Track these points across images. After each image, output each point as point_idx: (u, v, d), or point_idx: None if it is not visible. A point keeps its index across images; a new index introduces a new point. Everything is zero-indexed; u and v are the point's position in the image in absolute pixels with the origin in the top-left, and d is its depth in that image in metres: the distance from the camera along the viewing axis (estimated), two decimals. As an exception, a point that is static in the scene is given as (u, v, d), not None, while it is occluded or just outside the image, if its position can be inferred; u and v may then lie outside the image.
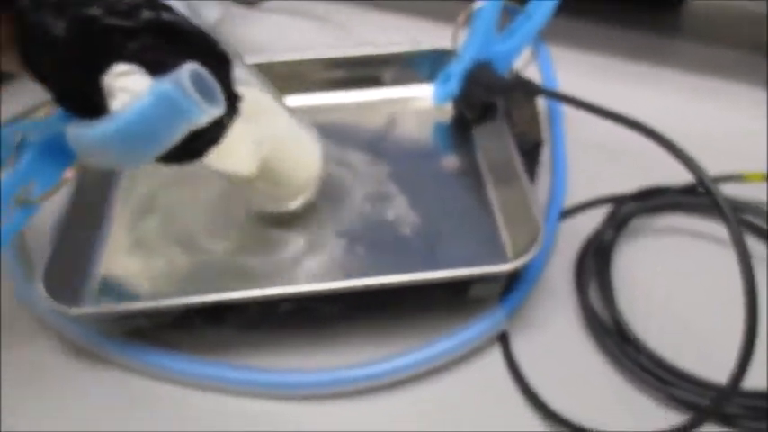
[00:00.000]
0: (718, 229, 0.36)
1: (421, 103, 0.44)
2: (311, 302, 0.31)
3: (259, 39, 0.55)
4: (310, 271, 0.33)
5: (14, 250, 0.35)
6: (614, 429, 0.28)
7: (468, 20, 0.38)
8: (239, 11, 0.57)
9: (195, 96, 0.22)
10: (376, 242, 0.34)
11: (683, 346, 0.31)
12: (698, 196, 0.37)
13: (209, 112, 0.23)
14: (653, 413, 0.30)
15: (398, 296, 0.32)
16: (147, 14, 0.22)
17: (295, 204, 0.35)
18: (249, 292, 0.29)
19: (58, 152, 0.26)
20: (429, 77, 0.44)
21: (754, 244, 0.36)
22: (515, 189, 0.35)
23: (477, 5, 0.38)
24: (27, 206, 0.26)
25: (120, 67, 0.23)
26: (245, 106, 0.27)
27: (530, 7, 0.39)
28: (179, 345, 0.32)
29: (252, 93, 0.30)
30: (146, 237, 0.35)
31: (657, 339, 0.31)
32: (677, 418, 0.29)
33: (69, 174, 0.27)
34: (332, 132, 0.41)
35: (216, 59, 0.24)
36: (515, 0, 0.39)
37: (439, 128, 0.42)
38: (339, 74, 0.44)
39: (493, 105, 0.39)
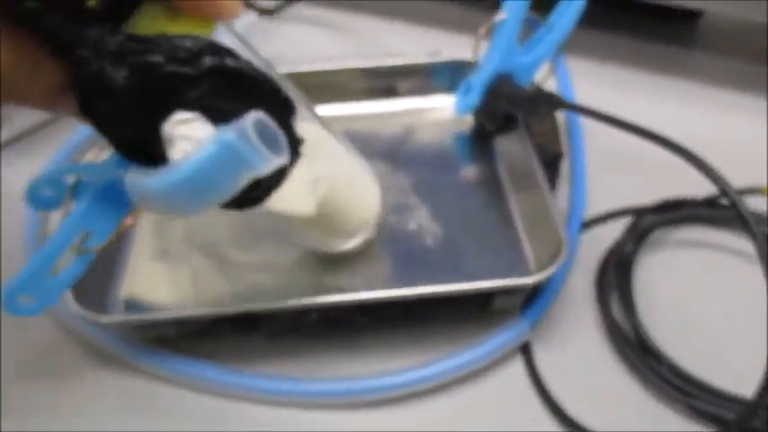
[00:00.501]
0: (739, 241, 0.37)
1: (440, 113, 0.44)
2: (339, 313, 0.31)
3: (277, 49, 0.55)
4: (334, 281, 0.33)
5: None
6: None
7: (490, 32, 0.39)
8: (257, 21, 0.58)
9: (259, 146, 0.21)
10: (400, 253, 0.35)
11: (705, 358, 0.32)
12: (719, 209, 0.37)
13: (273, 162, 0.22)
14: (675, 425, 0.30)
15: (423, 307, 0.32)
16: (209, 61, 0.21)
17: (352, 245, 0.34)
18: (279, 302, 0.30)
19: (114, 198, 0.25)
20: (448, 88, 0.44)
21: None
22: (537, 200, 0.35)
23: (498, 17, 0.38)
24: (83, 255, 0.26)
25: (181, 115, 0.22)
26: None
27: (551, 20, 0.39)
28: (205, 354, 0.32)
29: (308, 128, 0.28)
30: (170, 245, 0.36)
31: (679, 351, 0.32)
32: (698, 430, 0.29)
33: (129, 220, 0.26)
34: (351, 142, 0.41)
35: (280, 106, 0.23)
36: (537, 12, 0.39)
37: (458, 138, 0.43)
38: (358, 84, 0.45)
39: (513, 117, 0.39)
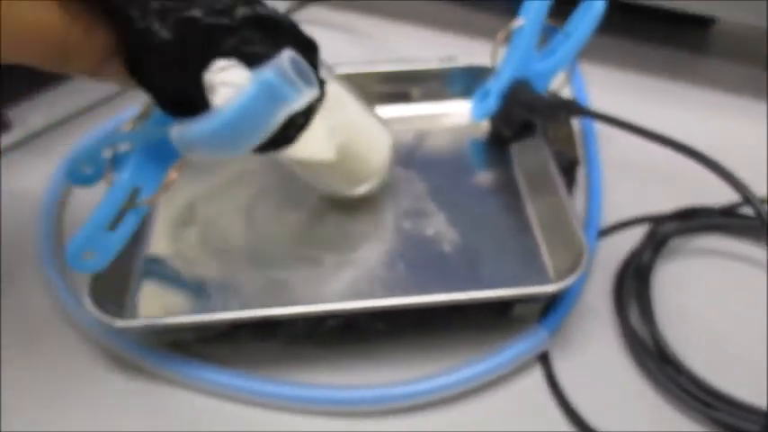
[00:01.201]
0: (758, 250, 0.37)
1: (455, 119, 0.44)
2: (357, 319, 0.31)
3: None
4: (351, 287, 0.33)
5: (55, 264, 0.36)
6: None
7: (508, 38, 0.39)
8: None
9: (296, 80, 0.23)
10: (417, 259, 0.35)
11: (725, 368, 0.31)
12: (736, 218, 0.37)
13: (307, 95, 0.24)
14: (697, 437, 0.30)
15: (441, 314, 0.32)
16: (243, 11, 0.24)
17: (367, 188, 0.36)
18: (296, 307, 0.29)
19: (158, 155, 0.27)
20: (464, 93, 0.44)
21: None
22: (555, 206, 0.35)
23: (516, 24, 0.38)
24: (137, 209, 0.28)
25: (221, 63, 0.24)
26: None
27: (569, 27, 0.39)
28: (222, 359, 0.32)
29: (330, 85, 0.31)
30: (185, 248, 0.36)
31: (699, 361, 0.31)
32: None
33: (173, 174, 0.28)
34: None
35: (306, 45, 0.25)
36: (554, 19, 0.39)
37: (474, 144, 0.42)
38: (374, 88, 0.44)
39: (531, 123, 0.39)
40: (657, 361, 0.32)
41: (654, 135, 0.32)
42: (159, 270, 0.35)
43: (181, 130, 0.25)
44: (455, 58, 0.46)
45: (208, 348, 0.32)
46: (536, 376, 0.32)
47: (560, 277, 0.32)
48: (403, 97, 0.45)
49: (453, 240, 0.36)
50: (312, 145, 0.31)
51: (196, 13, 0.23)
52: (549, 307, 0.33)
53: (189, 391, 0.32)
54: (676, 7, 0.48)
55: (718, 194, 0.36)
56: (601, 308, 0.35)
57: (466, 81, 0.44)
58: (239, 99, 0.23)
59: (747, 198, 0.28)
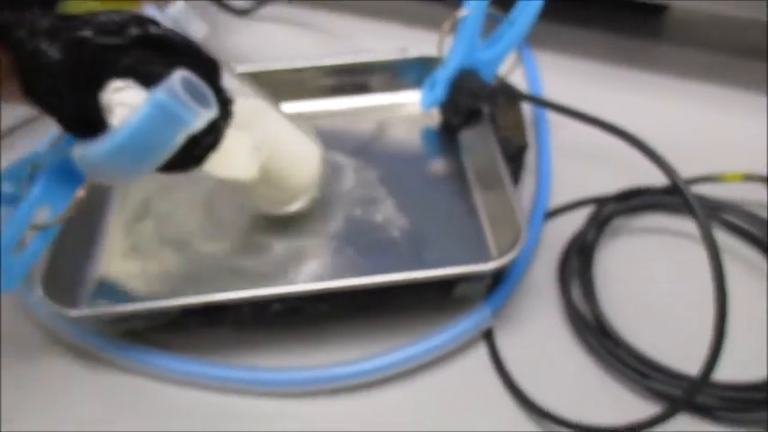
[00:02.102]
0: (694, 228, 0.38)
1: (409, 108, 0.45)
2: (302, 302, 0.32)
3: (250, 47, 0.56)
4: (301, 272, 0.34)
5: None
6: (596, 421, 0.29)
7: (454, 27, 0.40)
8: (231, 20, 0.58)
9: (188, 100, 0.23)
10: (365, 244, 0.36)
11: (661, 340, 0.33)
12: (675, 197, 0.38)
13: (203, 115, 0.24)
14: (632, 404, 0.31)
15: (387, 295, 0.33)
16: (134, 31, 0.23)
17: (296, 206, 0.36)
18: (241, 292, 0.30)
19: (67, 175, 0.27)
20: (417, 84, 0.45)
21: (731, 242, 0.37)
22: (500, 192, 0.36)
23: (461, 13, 0.39)
24: (44, 230, 0.27)
25: (116, 83, 0.24)
26: (240, 113, 0.28)
27: (512, 15, 0.40)
28: (174, 345, 0.33)
29: (246, 100, 0.31)
30: (141, 241, 0.37)
31: (636, 334, 0.33)
32: (655, 408, 0.30)
33: (81, 193, 0.28)
34: (322, 138, 0.42)
35: (205, 65, 0.25)
36: (499, 7, 0.40)
37: (427, 133, 0.43)
38: (328, 81, 0.45)
39: (478, 111, 0.40)
40: (598, 335, 0.33)
41: (588, 117, 0.33)
42: (114, 262, 0.36)
43: (81, 151, 0.24)
44: (407, 49, 0.47)
45: (160, 336, 0.33)
46: (481, 353, 0.33)
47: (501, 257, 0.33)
48: (359, 89, 0.46)
49: (401, 226, 0.37)
50: (233, 163, 0.31)
51: (86, 33, 0.23)
52: (494, 287, 0.34)
53: (145, 378, 0.32)
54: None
55: (661, 176, 0.37)
56: (546, 287, 0.36)
57: (418, 71, 0.45)
58: (132, 120, 0.23)
59: (672, 178, 0.29)
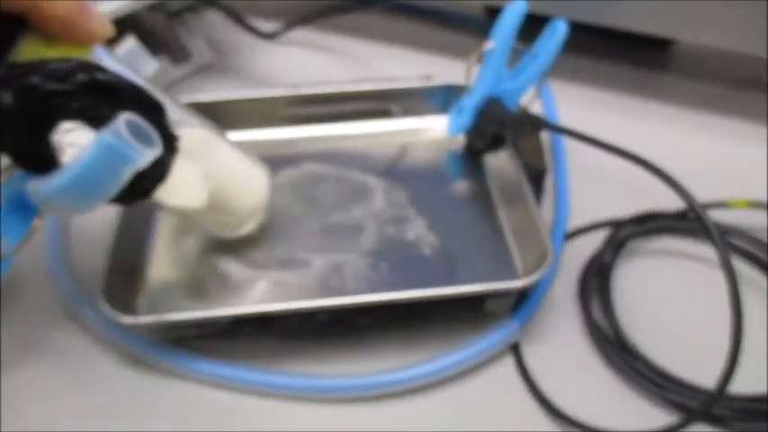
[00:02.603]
0: (705, 250, 0.40)
1: (433, 132, 0.47)
2: (346, 314, 0.34)
3: (275, 70, 0.58)
4: (338, 286, 0.37)
5: (65, 268, 0.39)
6: (615, 428, 0.32)
7: (480, 59, 0.42)
8: (257, 42, 0.61)
9: (132, 141, 0.25)
10: (399, 260, 0.38)
11: (676, 354, 0.35)
12: (687, 221, 0.41)
13: (148, 154, 0.26)
14: (649, 414, 0.33)
15: (422, 309, 0.35)
16: (81, 77, 0.25)
17: (246, 230, 0.38)
18: (292, 303, 0.33)
19: (23, 207, 0.28)
20: (440, 109, 0.48)
21: (738, 265, 0.40)
22: (524, 212, 0.39)
23: (488, 46, 0.42)
24: (2, 257, 0.29)
25: (66, 125, 0.26)
26: (188, 144, 0.30)
27: (535, 48, 0.43)
28: (223, 353, 0.35)
29: (193, 131, 0.34)
30: (185, 254, 0.39)
31: (653, 348, 0.35)
32: (670, 418, 0.32)
33: (38, 222, 0.29)
34: (351, 160, 0.45)
35: (149, 107, 0.27)
36: (522, 41, 0.43)
37: (450, 156, 0.46)
38: (356, 106, 0.48)
39: (502, 137, 0.43)
40: (617, 349, 0.35)
41: (608, 146, 0.36)
42: (162, 274, 0.38)
43: (35, 186, 0.26)
44: (432, 76, 0.50)
45: (207, 344, 0.35)
46: (508, 365, 0.36)
47: (528, 275, 0.35)
48: (383, 113, 0.48)
49: (432, 244, 0.39)
50: (183, 192, 0.34)
51: (36, 80, 0.25)
52: (520, 303, 0.37)
53: (194, 384, 0.35)
54: (636, 29, 0.52)
55: (672, 200, 0.39)
56: (566, 303, 0.38)
57: (443, 98, 0.48)
58: (81, 159, 0.25)
59: (691, 205, 0.32)
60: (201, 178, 0.34)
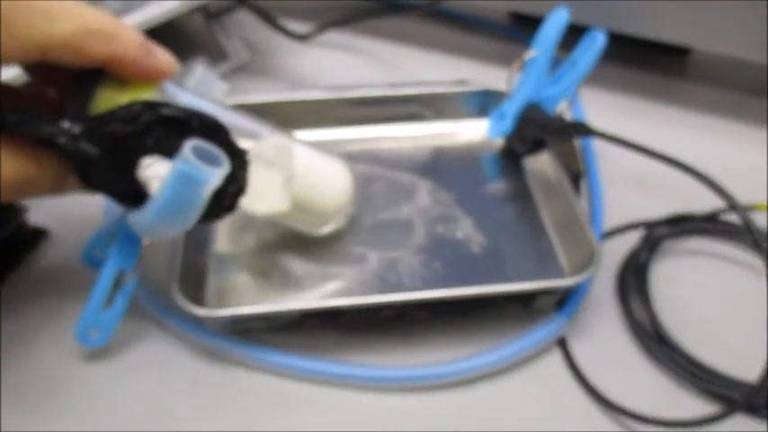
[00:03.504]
0: (734, 250, 0.43)
1: (470, 135, 0.50)
2: (408, 309, 0.36)
3: (308, 71, 0.60)
4: (395, 282, 0.39)
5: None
6: (657, 414, 0.34)
7: (522, 66, 0.45)
8: (290, 44, 0.63)
9: (200, 164, 0.28)
10: (450, 258, 0.40)
11: (712, 347, 0.37)
12: (718, 223, 0.43)
13: (218, 173, 0.29)
14: (690, 405, 0.36)
15: (473, 304, 0.38)
16: (148, 116, 0.28)
17: (329, 229, 0.40)
18: (363, 298, 0.35)
19: (132, 237, 0.34)
20: (477, 113, 0.50)
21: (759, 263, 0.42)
22: (566, 211, 0.41)
23: (530, 54, 0.44)
24: (127, 282, 0.35)
25: (146, 161, 0.29)
26: (265, 152, 0.34)
27: (574, 56, 0.45)
28: (285, 345, 0.37)
29: (269, 139, 0.37)
30: (246, 250, 0.41)
31: (690, 342, 0.38)
32: (706, 407, 0.35)
33: (146, 242, 0.35)
34: (396, 161, 0.47)
35: (212, 129, 0.30)
36: (562, 49, 0.45)
37: (489, 158, 0.48)
38: (396, 109, 0.50)
39: (541, 141, 0.45)
40: (656, 343, 0.38)
41: (652, 152, 0.38)
42: (225, 269, 0.40)
43: (133, 218, 0.30)
44: (466, 81, 0.52)
45: (270, 337, 0.37)
46: (555, 358, 0.38)
47: (574, 272, 0.38)
48: (422, 116, 0.50)
49: (480, 242, 0.41)
50: (268, 200, 0.36)
51: (113, 127, 0.28)
52: (565, 299, 0.39)
53: (263, 374, 0.37)
54: (656, 38, 0.55)
55: (701, 202, 0.42)
56: (606, 299, 0.41)
57: (479, 102, 0.50)
58: (162, 189, 0.28)
59: (733, 206, 0.34)
60: (283, 183, 0.36)
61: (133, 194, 0.30)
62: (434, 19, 0.66)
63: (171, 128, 0.29)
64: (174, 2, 0.49)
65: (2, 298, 0.40)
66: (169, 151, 0.29)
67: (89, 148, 0.28)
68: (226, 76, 0.59)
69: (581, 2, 0.52)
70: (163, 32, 0.48)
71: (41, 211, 0.44)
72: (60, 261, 0.43)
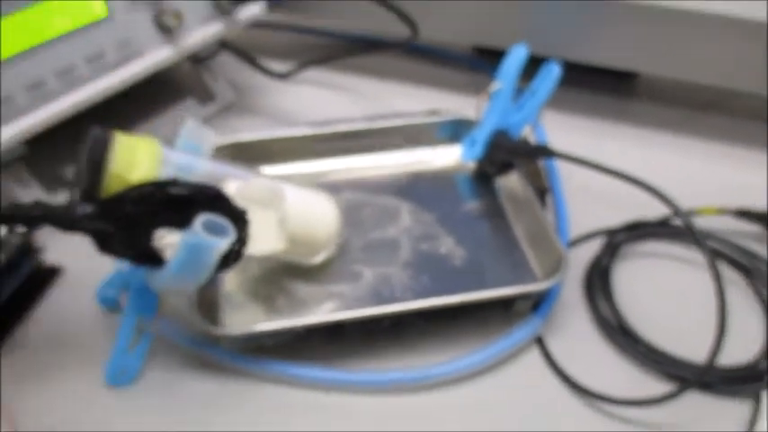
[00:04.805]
0: (684, 250, 0.49)
1: (445, 159, 0.55)
2: (404, 318, 0.41)
3: (289, 108, 0.65)
4: (389, 295, 0.43)
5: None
6: (624, 396, 0.39)
7: (488, 97, 0.50)
8: (271, 82, 0.67)
9: (209, 237, 0.32)
10: (435, 272, 0.45)
11: (668, 335, 0.43)
12: (668, 227, 0.49)
13: (225, 241, 0.33)
14: (651, 385, 0.41)
15: (461, 311, 0.42)
16: (159, 196, 0.33)
17: (320, 258, 0.45)
18: (364, 311, 0.39)
19: (147, 288, 0.38)
20: (450, 140, 0.55)
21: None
22: (535, 225, 0.46)
23: (495, 87, 0.49)
24: (146, 332, 0.40)
25: (160, 233, 0.34)
26: (258, 195, 0.39)
27: (534, 86, 0.50)
28: (295, 358, 0.41)
29: (259, 183, 0.42)
30: (252, 275, 0.45)
31: (649, 332, 0.43)
32: (668, 387, 0.40)
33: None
34: (378, 186, 0.52)
35: (215, 200, 0.34)
36: (523, 80, 0.50)
37: (462, 180, 0.53)
38: (375, 140, 0.55)
39: (510, 163, 0.50)
40: (620, 334, 0.43)
41: (607, 169, 0.44)
42: (234, 297, 0.44)
43: (149, 279, 0.36)
44: (438, 111, 0.58)
45: (277, 351, 0.41)
46: (534, 354, 0.43)
47: (546, 278, 0.43)
48: (401, 145, 0.55)
49: (461, 256, 0.46)
50: (264, 241, 0.40)
51: (128, 209, 0.33)
52: (539, 302, 0.44)
53: (271, 385, 0.41)
54: (607, 64, 0.61)
55: (653, 209, 0.48)
56: (575, 300, 0.46)
57: (451, 130, 0.55)
58: (176, 258, 0.33)
59: (677, 212, 0.40)
60: (278, 224, 0.41)
61: (150, 258, 0.35)
62: (406, 54, 0.71)
63: (179, 204, 0.33)
64: (168, 52, 0.53)
65: (21, 334, 0.43)
66: (179, 224, 0.33)
67: (106, 227, 0.33)
68: (214, 116, 0.63)
69: (538, 35, 0.58)
70: (154, 77, 0.53)
71: (55, 249, 0.48)
72: (74, 297, 0.46)
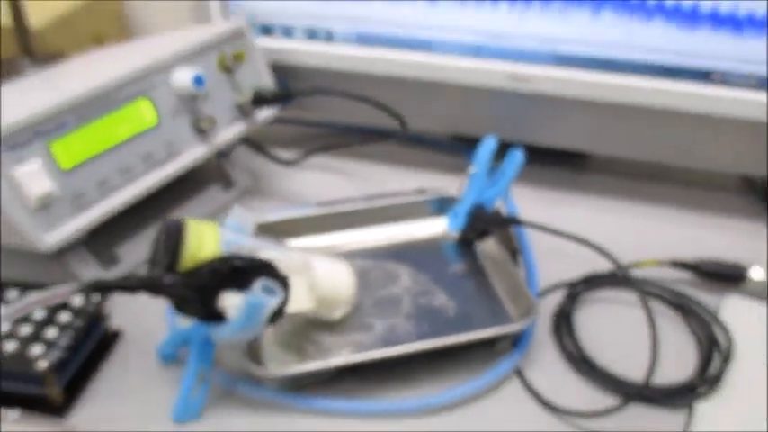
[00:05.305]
0: (629, 296, 0.60)
1: (434, 230, 0.66)
2: (409, 357, 0.52)
3: (297, 191, 0.76)
4: (395, 341, 0.54)
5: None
6: (587, 410, 0.50)
7: (467, 179, 0.62)
8: (279, 168, 0.79)
9: (265, 297, 0.42)
10: (432, 321, 0.56)
11: (619, 362, 0.53)
12: (616, 278, 0.61)
13: (276, 300, 0.43)
14: (608, 401, 0.51)
15: (454, 351, 0.53)
16: (225, 268, 0.42)
17: (340, 314, 0.54)
18: (378, 352, 0.50)
19: (206, 342, 0.47)
20: (436, 213, 0.67)
21: (650, 301, 0.59)
22: (511, 281, 0.58)
23: (472, 170, 0.62)
24: (204, 380, 0.48)
25: (224, 294, 0.43)
26: (292, 264, 0.49)
27: (503, 167, 0.62)
28: (330, 393, 0.51)
29: (292, 255, 0.52)
30: (286, 329, 0.55)
31: (605, 360, 0.54)
32: (620, 402, 0.51)
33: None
34: (382, 254, 0.63)
35: (264, 267, 0.44)
36: (496, 159, 0.63)
37: (448, 246, 0.65)
38: (375, 216, 0.66)
39: (487, 230, 0.62)
40: (583, 364, 0.54)
41: (564, 234, 0.56)
42: (271, 348, 0.54)
43: (213, 333, 0.44)
44: (425, 189, 0.70)
45: (311, 389, 0.51)
46: (515, 383, 0.53)
47: (520, 321, 0.54)
48: (393, 219, 0.67)
49: (453, 308, 0.57)
50: (297, 302, 0.49)
51: (203, 279, 0.42)
52: (517, 341, 0.55)
53: (302, 414, 0.50)
54: (563, 146, 0.74)
55: (604, 263, 0.59)
56: (546, 339, 0.57)
57: (437, 205, 0.67)
58: (238, 316, 0.42)
59: (618, 266, 0.52)
60: (307, 287, 0.51)
61: (214, 315, 0.44)
62: (396, 142, 0.84)
63: (240, 271, 0.43)
64: (203, 150, 0.65)
65: (92, 389, 0.53)
66: (240, 286, 0.43)
67: (188, 294, 0.43)
68: (234, 200, 0.74)
69: (505, 124, 0.71)
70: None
71: (115, 314, 0.57)
72: (136, 357, 0.55)
